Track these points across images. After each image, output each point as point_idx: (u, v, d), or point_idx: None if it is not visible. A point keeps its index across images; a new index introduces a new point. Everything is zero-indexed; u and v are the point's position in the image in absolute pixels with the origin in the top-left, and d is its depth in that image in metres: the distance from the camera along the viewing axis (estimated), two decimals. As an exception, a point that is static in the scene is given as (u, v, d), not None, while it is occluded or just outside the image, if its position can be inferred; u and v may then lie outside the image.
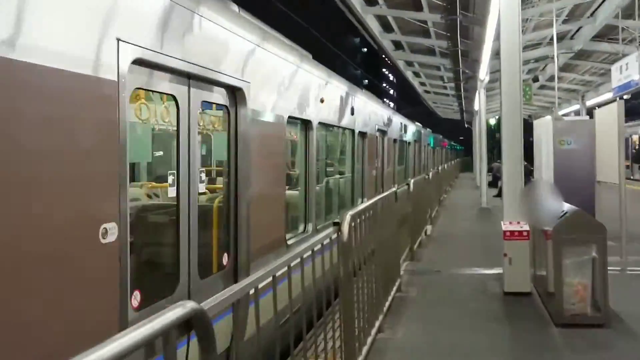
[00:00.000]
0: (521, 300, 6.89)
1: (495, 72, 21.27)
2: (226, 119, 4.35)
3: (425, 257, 10.04)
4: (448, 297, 7.24)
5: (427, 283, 7.95)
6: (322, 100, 6.65)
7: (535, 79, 22.37)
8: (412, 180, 9.84)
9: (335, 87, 7.51)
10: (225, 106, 4.29)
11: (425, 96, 33.88)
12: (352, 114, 8.39)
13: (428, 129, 30.99)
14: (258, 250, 4.58)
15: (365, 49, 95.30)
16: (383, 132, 12.13)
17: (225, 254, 4.28)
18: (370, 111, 10.19)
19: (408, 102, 75.40)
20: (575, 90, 29.50)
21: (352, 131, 8.65)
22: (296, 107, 5.77)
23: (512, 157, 7.29)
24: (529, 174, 21.43)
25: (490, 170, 26.60)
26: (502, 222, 7.43)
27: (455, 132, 69.96)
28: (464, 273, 8.63)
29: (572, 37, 18.61)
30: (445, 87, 27.98)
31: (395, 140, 14.21)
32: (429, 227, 13.90)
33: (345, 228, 4.03)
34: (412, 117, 26.12)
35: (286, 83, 5.49)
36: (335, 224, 4.11)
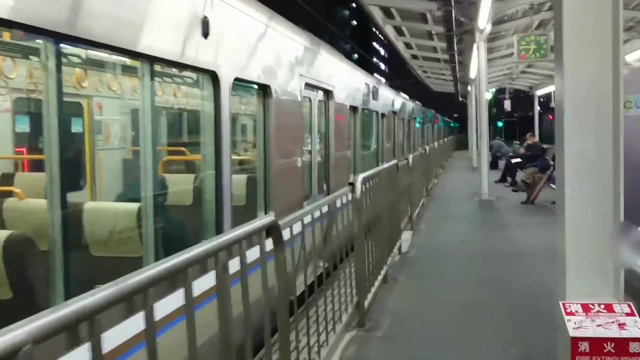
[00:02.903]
0: None
1: (499, 22, 16.48)
2: None
3: (387, 312, 5.48)
4: None
5: None
6: None
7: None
8: (362, 177, 5.20)
9: None
10: None
11: (414, 63, 28.98)
12: (205, 36, 3.72)
13: (417, 102, 26.23)
14: None
15: (348, 13, 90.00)
16: (327, 93, 7.43)
17: None
18: (280, 46, 5.47)
19: (398, 77, 70.43)
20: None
21: (213, 76, 3.92)
22: None
23: (585, 146, 2.71)
24: (538, 155, 16.84)
25: (489, 148, 21.96)
26: (561, 303, 2.78)
27: (448, 108, 65.14)
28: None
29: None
30: (435, 50, 23.15)
31: (355, 109, 9.51)
32: (407, 237, 9.34)
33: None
34: (401, 92, 21.40)
35: None
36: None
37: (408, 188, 10.33)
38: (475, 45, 14.42)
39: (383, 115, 12.71)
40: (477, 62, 14.62)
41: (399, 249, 8.20)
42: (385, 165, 6.68)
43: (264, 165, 5.07)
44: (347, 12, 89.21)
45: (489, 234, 9.44)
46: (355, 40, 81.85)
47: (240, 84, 4.50)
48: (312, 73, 6.53)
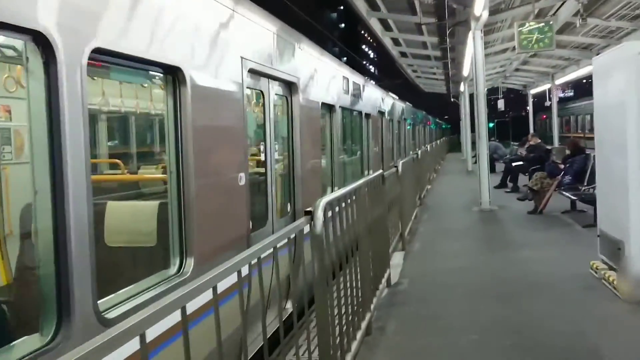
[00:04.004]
0: None
1: (495, 11, 14.83)
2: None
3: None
4: None
5: None
6: None
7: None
8: (325, 201, 3.54)
9: None
10: None
11: (403, 62, 27.40)
12: None
13: (407, 103, 24.60)
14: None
15: (336, 16, 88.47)
16: (290, 86, 5.76)
17: None
18: (202, 13, 3.77)
19: (387, 78, 68.93)
20: (588, 47, 23.20)
21: (41, 43, 2.23)
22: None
23: None
24: (542, 157, 15.25)
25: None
26: None
27: (439, 109, 63.75)
28: None
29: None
30: (425, 45, 21.58)
31: (332, 108, 7.84)
32: (398, 260, 7.78)
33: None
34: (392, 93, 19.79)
35: None
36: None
37: (398, 199, 8.71)
38: (470, 35, 12.82)
39: (368, 115, 11.05)
40: (473, 54, 13.00)
41: (388, 280, 6.55)
42: (362, 180, 4.99)
43: (177, 186, 3.38)
44: (334, 15, 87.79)
45: (496, 257, 7.78)
46: (344, 43, 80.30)
47: (111, 60, 2.82)
48: (263, 57, 4.85)
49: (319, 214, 3.38)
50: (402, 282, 6.72)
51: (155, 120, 4.74)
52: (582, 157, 10.91)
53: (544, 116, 52.29)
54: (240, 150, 4.23)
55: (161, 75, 3.37)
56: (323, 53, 7.34)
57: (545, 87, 34.48)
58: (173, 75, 3.33)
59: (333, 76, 7.90)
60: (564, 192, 10.44)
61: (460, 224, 10.73)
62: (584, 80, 34.06)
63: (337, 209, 4.06)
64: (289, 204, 5.76)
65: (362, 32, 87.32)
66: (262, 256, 2.68)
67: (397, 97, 20.50)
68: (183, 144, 3.37)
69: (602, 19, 18.24)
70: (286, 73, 5.51)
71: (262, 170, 5.14)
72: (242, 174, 4.23)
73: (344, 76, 8.61)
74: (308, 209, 3.40)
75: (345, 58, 64.13)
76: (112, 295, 2.78)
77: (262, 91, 5.02)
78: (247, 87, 4.47)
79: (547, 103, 41.98)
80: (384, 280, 6.17)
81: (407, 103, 24.77)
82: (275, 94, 5.37)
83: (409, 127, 22.47)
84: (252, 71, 4.55)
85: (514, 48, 22.19)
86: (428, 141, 30.78)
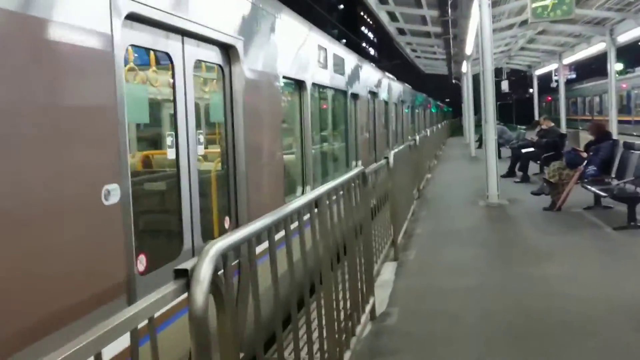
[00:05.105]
0: None
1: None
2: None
3: None
4: None
5: None
6: None
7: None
8: (213, 252, 1.87)
9: None
10: None
11: (401, 40, 25.49)
12: None
13: (405, 84, 22.80)
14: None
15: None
16: (227, 50, 4.05)
17: None
18: None
19: (386, 59, 66.85)
20: (601, 22, 21.35)
21: None
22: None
23: None
24: (556, 143, 13.54)
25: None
26: None
27: (440, 91, 61.75)
28: None
29: None
30: (424, 21, 19.73)
31: (301, 85, 6.12)
32: (388, 276, 6.25)
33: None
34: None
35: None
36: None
37: (390, 196, 7.10)
38: (475, 4, 11.06)
39: (356, 96, 9.32)
40: (478, 27, 11.24)
41: (372, 311, 4.93)
42: (318, 191, 3.28)
43: None
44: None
45: (512, 273, 6.12)
46: (343, 24, 77.91)
47: None
48: (165, 0, 3.15)
49: (204, 275, 1.72)
50: (391, 313, 5.09)
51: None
52: (609, 143, 9.22)
53: (549, 98, 50.28)
54: (104, 148, 2.55)
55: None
56: (285, 11, 5.60)
57: (551, 67, 32.80)
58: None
59: (303, 44, 6.17)
60: (589, 186, 8.76)
61: (464, 223, 9.07)
62: (589, 62, 32.01)
63: (266, 242, 2.41)
64: (227, 217, 4.09)
65: (362, 13, 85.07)
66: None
67: (395, 78, 18.76)
68: None
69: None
70: (217, 31, 3.80)
71: (170, 173, 3.46)
72: (111, 187, 2.55)
73: (320, 45, 6.88)
74: (180, 267, 1.74)
75: (344, 40, 61.95)
76: None
77: (168, 54, 3.32)
78: (129, 45, 2.78)
79: (554, 84, 40.15)
80: (364, 317, 4.55)
81: (406, 84, 23.01)
82: (198, 60, 3.67)
83: (407, 110, 20.72)
84: (137, 19, 2.85)
85: (521, 23, 20.51)
86: (428, 125, 29.02)
